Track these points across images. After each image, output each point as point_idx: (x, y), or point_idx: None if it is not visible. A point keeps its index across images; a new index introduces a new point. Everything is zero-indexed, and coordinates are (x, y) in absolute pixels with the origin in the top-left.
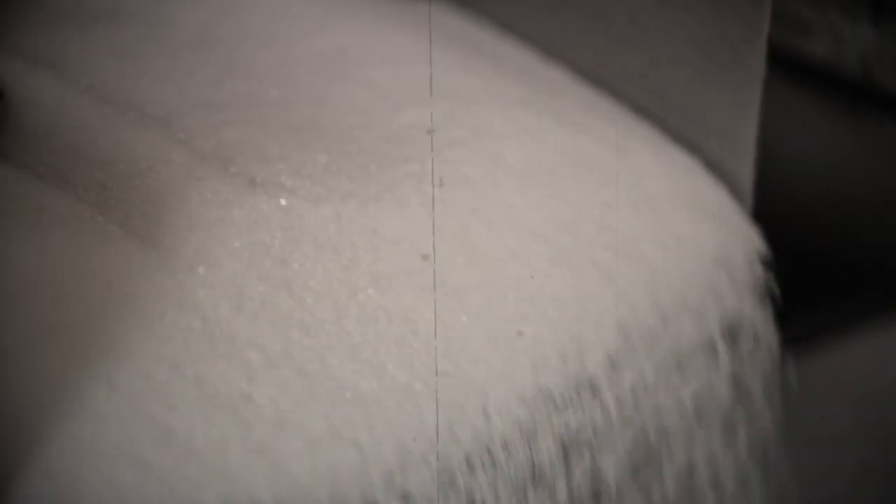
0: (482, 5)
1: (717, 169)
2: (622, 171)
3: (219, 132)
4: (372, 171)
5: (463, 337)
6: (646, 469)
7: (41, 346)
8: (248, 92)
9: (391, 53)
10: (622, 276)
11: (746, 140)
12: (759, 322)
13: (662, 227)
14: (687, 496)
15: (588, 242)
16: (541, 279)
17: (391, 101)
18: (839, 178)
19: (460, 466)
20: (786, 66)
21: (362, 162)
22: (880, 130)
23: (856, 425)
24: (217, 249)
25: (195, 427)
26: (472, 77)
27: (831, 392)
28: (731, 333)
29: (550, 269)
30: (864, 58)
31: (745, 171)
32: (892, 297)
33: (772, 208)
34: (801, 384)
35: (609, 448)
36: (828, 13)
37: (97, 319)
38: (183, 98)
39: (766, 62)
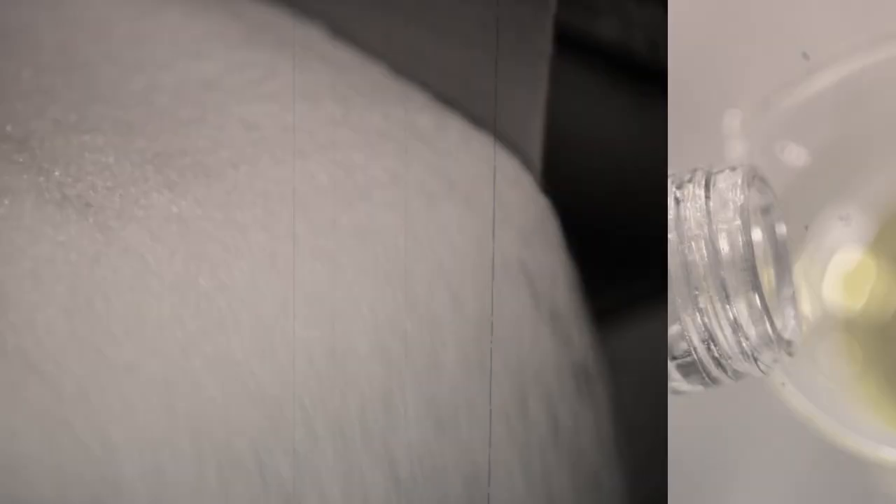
0: None
1: (509, 146)
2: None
3: (80, 158)
4: (247, 223)
5: None
6: None
7: None
8: (113, 117)
9: (262, 84)
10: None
11: (534, 118)
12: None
13: (472, 211)
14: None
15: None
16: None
17: (260, 134)
18: (627, 157)
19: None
20: (574, 47)
21: (238, 205)
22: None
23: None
24: (40, 292)
25: None
26: (337, 105)
27: None
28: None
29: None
30: (652, 39)
31: (534, 149)
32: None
33: (559, 186)
34: None
35: None
36: None
37: None
38: (43, 119)
39: (553, 42)
